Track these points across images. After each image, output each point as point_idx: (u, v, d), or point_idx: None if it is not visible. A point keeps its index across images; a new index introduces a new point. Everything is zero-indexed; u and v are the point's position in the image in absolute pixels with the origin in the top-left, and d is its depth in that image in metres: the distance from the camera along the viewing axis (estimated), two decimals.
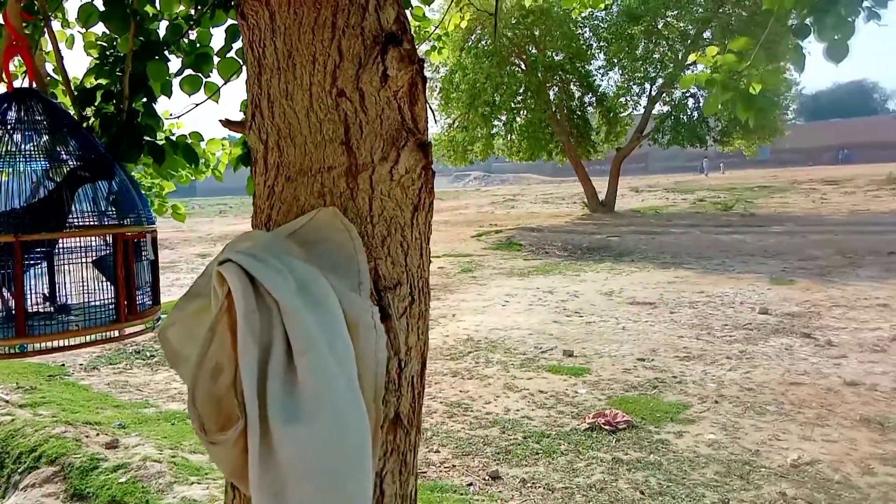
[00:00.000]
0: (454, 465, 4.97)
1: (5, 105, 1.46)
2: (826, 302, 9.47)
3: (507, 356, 7.56)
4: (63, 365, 7.89)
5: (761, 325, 8.40)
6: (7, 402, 6.07)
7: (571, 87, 25.29)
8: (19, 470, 4.94)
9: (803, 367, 6.64)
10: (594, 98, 25.50)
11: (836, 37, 2.05)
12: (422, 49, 2.90)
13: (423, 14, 3.08)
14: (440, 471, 4.92)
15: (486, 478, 4.72)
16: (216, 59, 1.86)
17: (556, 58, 24.04)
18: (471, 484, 4.64)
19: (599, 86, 25.59)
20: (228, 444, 0.77)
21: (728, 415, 5.54)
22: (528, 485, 4.58)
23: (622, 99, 25.05)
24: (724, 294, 10.47)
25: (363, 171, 0.97)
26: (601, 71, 25.31)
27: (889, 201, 22.10)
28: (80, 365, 7.90)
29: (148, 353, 8.37)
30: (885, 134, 57.78)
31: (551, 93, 24.86)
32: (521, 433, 5.41)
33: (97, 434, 5.24)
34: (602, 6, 3.86)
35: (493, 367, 7.16)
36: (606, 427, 5.41)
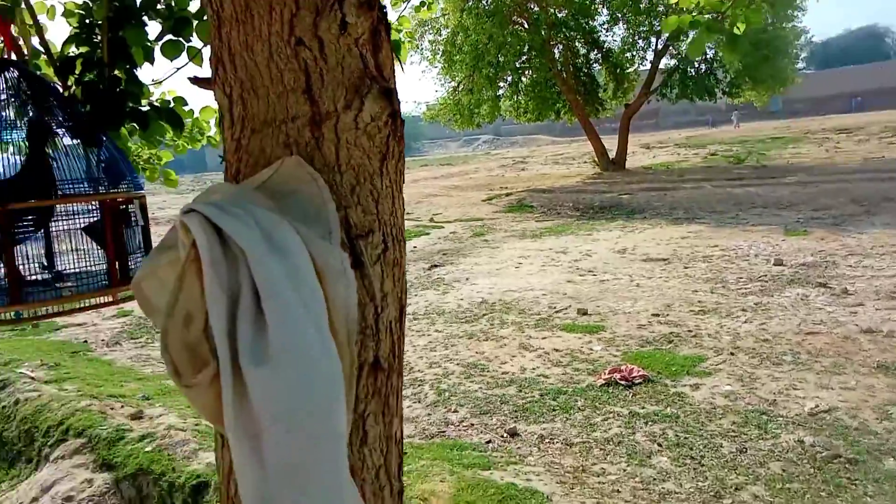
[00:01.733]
0: (472, 424, 5.04)
1: None
2: (841, 251, 9.39)
3: (521, 317, 7.60)
4: (86, 342, 8.05)
5: (776, 276, 8.36)
6: (33, 378, 6.22)
7: (576, 44, 24.84)
8: (49, 443, 5.08)
9: (819, 317, 6.61)
10: (600, 54, 25.05)
11: None
12: (411, 5, 2.86)
13: None
14: (459, 429, 5.00)
15: (505, 435, 4.79)
16: (195, 23, 1.85)
17: (559, 15, 23.57)
18: (489, 441, 4.71)
19: (604, 42, 25.12)
20: (203, 387, 0.79)
21: (744, 366, 5.55)
22: (546, 440, 4.65)
23: (628, 54, 24.59)
24: (738, 247, 10.40)
25: (327, 120, 0.97)
26: (606, 26, 24.81)
27: None
28: (102, 341, 8.07)
29: None
30: None
31: (556, 51, 24.43)
32: (537, 391, 5.46)
33: (122, 406, 5.36)
34: None
35: (508, 328, 7.21)
36: (622, 382, 5.45)
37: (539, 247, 12.17)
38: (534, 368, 6.00)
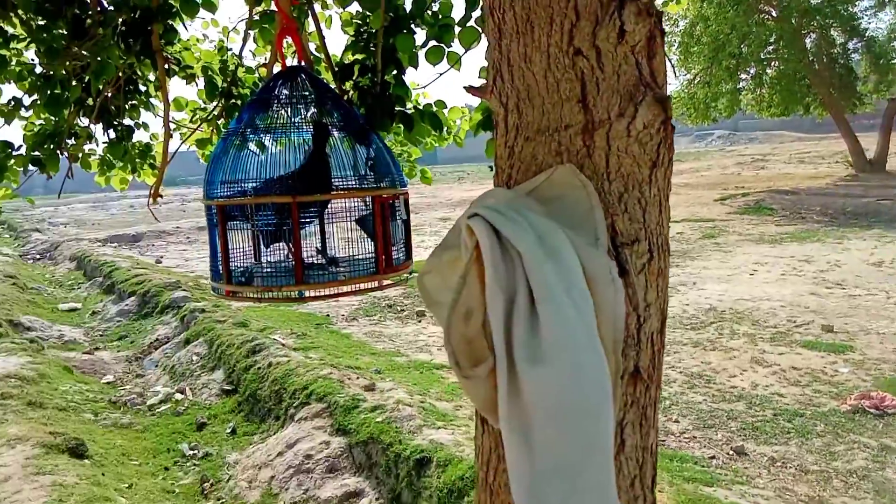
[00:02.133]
0: (695, 437, 4.82)
1: (279, 82, 1.68)
2: None
3: (754, 328, 7.08)
4: (328, 316, 8.88)
5: None
6: (284, 345, 7.00)
7: (832, 32, 22.26)
8: (294, 405, 5.69)
9: None
10: (861, 43, 22.22)
11: None
12: (658, 1, 2.77)
13: None
14: (680, 441, 4.81)
15: (731, 452, 4.52)
16: (457, 29, 1.96)
17: (812, 1, 21.28)
18: (713, 457, 4.48)
19: (866, 29, 22.22)
20: (479, 379, 0.85)
21: None
22: (778, 464, 4.31)
23: (895, 43, 21.55)
24: None
25: (600, 128, 0.99)
26: (869, 12, 21.88)
27: None
28: (342, 316, 8.84)
29: (399, 308, 9.12)
30: None
31: (808, 40, 22.09)
32: (770, 410, 5.08)
33: (357, 377, 5.85)
34: None
35: (739, 340, 6.75)
36: (872, 410, 4.88)
37: (779, 253, 11.21)
38: (767, 385, 5.57)
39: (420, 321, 8.37)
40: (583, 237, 0.92)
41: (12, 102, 2.26)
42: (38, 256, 18.50)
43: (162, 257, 15.71)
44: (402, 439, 4.67)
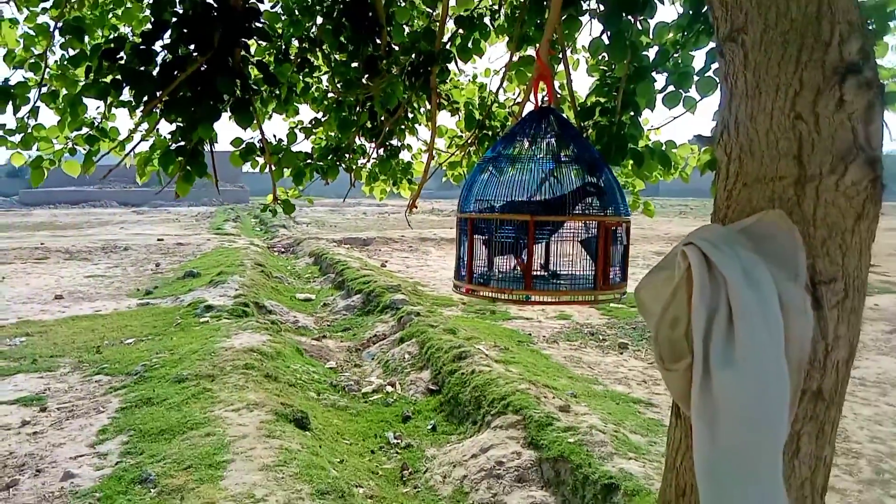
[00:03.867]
0: None
1: (532, 121, 1.97)
2: None
3: None
4: (530, 335, 9.15)
5: None
6: (487, 356, 7.37)
7: None
8: (491, 412, 5.99)
9: None
10: None
11: None
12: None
13: None
14: None
15: None
16: (695, 78, 2.13)
17: None
18: None
19: None
20: (678, 373, 1.05)
21: None
22: None
23: None
24: None
25: (810, 182, 1.14)
26: None
27: None
28: (543, 337, 9.07)
29: (601, 337, 9.15)
30: None
31: None
32: None
33: (553, 397, 6.04)
34: None
35: None
36: None
37: None
38: None
39: (622, 353, 8.36)
40: (784, 272, 1.08)
41: (313, 122, 2.80)
42: (282, 250, 20.91)
43: (386, 262, 17.06)
44: (592, 463, 4.76)
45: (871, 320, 10.28)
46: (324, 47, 2.57)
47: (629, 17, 1.98)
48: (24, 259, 17.34)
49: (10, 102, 2.39)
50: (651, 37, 2.13)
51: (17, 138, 2.62)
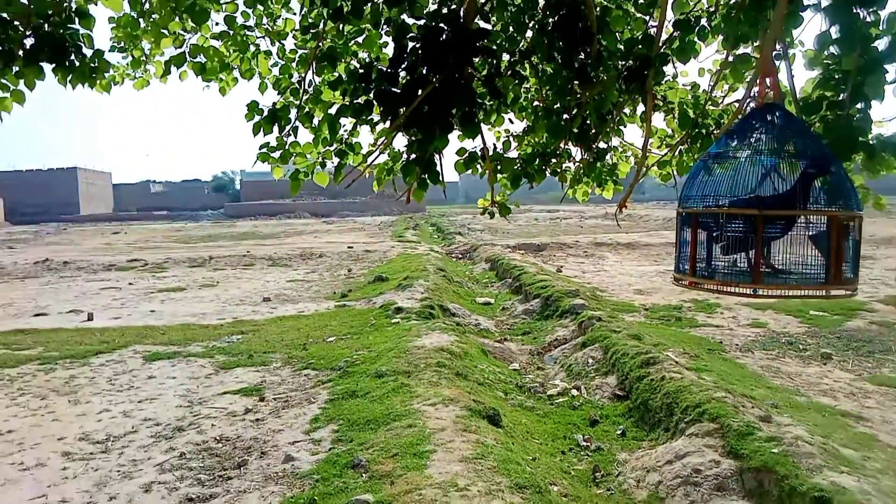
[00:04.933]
0: None
1: (755, 117, 2.00)
2: None
3: None
4: (721, 342, 8.79)
5: None
6: (677, 362, 7.19)
7: None
8: (685, 419, 5.85)
9: None
10: None
11: None
12: None
13: None
14: None
15: None
16: None
17: None
18: None
19: None
20: None
21: None
22: None
23: None
24: None
25: None
26: None
27: None
28: (736, 345, 8.67)
29: (801, 346, 8.60)
30: None
31: None
32: None
33: (752, 406, 5.79)
34: None
35: None
36: None
37: None
38: None
39: (825, 364, 7.80)
40: None
41: (526, 130, 2.99)
42: (459, 256, 21.58)
43: (562, 267, 17.07)
44: (800, 475, 4.53)
45: None
46: (533, 59, 2.73)
47: (859, 9, 1.94)
48: (233, 265, 19.35)
49: (276, 123, 2.80)
50: (882, 27, 2.07)
51: (277, 154, 3.06)
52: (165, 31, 3.16)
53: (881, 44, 2.07)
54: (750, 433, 5.18)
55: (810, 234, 1.87)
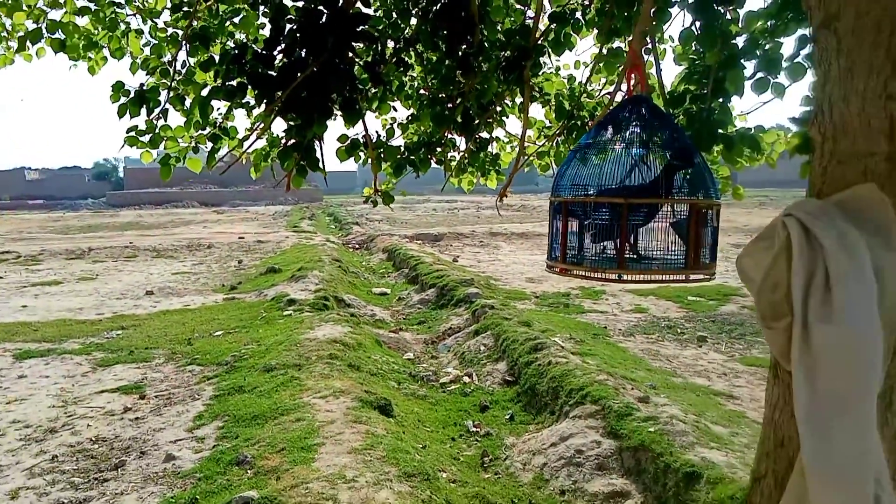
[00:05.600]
0: None
1: (624, 109, 2.08)
2: None
3: None
4: (605, 328, 9.16)
5: None
6: (563, 347, 7.44)
7: None
8: (570, 402, 6.05)
9: None
10: None
11: None
12: None
13: None
14: None
15: None
16: (784, 64, 2.19)
17: None
18: None
19: None
20: (779, 331, 1.16)
21: None
22: None
23: None
24: None
25: None
26: None
27: None
28: (619, 330, 9.06)
29: (679, 330, 9.08)
30: None
31: None
32: None
33: (632, 388, 6.07)
34: None
35: None
36: None
37: None
38: None
39: (701, 346, 8.28)
40: (877, 240, 1.17)
41: (409, 118, 2.98)
42: (356, 246, 21.41)
43: (458, 256, 17.25)
44: (674, 452, 4.78)
45: None
46: (417, 47, 2.73)
47: (720, 7, 2.06)
48: (114, 257, 18.35)
49: (144, 105, 2.65)
50: (741, 25, 2.20)
51: (146, 138, 2.90)
52: (22, 5, 2.93)
53: (741, 41, 2.21)
54: (629, 414, 5.42)
55: (671, 221, 1.97)
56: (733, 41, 2.18)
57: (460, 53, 2.48)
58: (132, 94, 2.70)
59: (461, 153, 3.13)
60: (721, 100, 2.20)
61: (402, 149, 2.95)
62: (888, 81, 1.22)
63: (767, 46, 2.19)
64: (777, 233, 1.22)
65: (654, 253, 2.07)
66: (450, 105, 2.69)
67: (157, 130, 2.88)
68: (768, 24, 2.18)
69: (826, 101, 1.32)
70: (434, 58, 2.68)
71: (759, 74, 2.21)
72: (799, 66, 2.13)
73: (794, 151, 2.30)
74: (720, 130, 2.20)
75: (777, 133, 2.73)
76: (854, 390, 1.05)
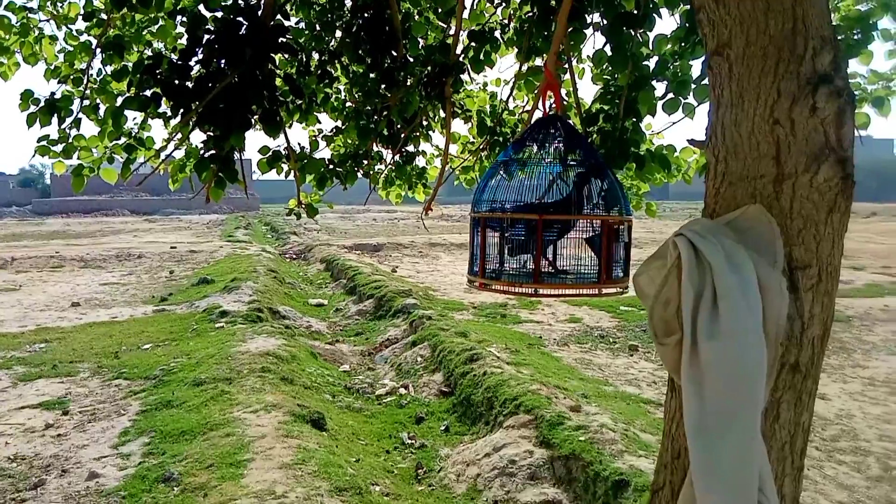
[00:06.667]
0: None
1: (541, 127, 2.12)
2: None
3: None
4: (540, 337, 9.27)
5: None
6: (499, 358, 7.50)
7: None
8: (504, 412, 6.10)
9: None
10: None
11: None
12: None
13: None
14: None
15: None
16: (693, 86, 2.28)
17: None
18: None
19: None
20: (670, 347, 1.20)
21: None
22: None
23: None
24: None
25: (787, 180, 1.29)
26: None
27: None
28: (554, 339, 9.19)
29: (611, 339, 9.26)
30: None
31: None
32: None
33: (564, 397, 6.15)
34: None
35: None
36: None
37: None
38: None
39: (632, 355, 8.47)
40: (763, 259, 1.22)
41: (334, 130, 2.97)
42: (294, 256, 21.11)
43: (397, 267, 17.21)
44: (603, 460, 4.87)
45: (882, 321, 10.36)
46: (343, 59, 2.72)
47: (630, 30, 2.13)
48: (39, 268, 17.62)
49: (55, 115, 2.56)
50: (651, 48, 2.28)
51: (59, 148, 2.80)
52: None
53: (652, 63, 2.29)
54: (561, 423, 5.50)
55: (585, 237, 2.02)
56: (644, 63, 2.26)
57: (385, 67, 2.50)
58: (42, 104, 2.61)
59: (388, 166, 3.14)
60: (634, 119, 2.27)
61: (328, 161, 2.93)
62: (774, 107, 1.29)
63: (677, 68, 2.27)
64: (669, 252, 1.26)
65: (570, 268, 2.12)
66: (375, 118, 2.70)
67: (69, 140, 2.79)
68: (677, 46, 2.27)
69: (719, 125, 1.38)
70: (360, 70, 2.69)
71: (670, 95, 2.29)
72: (706, 89, 2.21)
73: (701, 171, 2.39)
74: (632, 149, 2.27)
75: (693, 151, 2.83)
76: (739, 403, 1.10)
